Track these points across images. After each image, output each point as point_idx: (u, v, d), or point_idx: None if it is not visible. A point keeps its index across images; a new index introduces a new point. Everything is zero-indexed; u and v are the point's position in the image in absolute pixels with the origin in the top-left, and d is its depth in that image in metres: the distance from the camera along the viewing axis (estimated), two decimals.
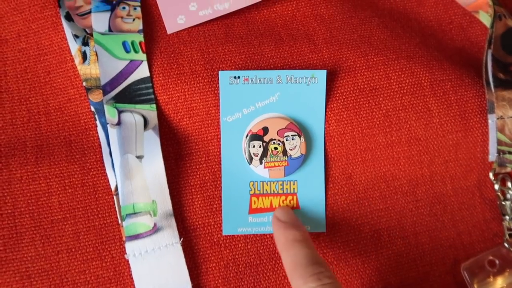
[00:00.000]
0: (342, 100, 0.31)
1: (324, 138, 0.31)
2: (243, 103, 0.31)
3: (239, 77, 0.31)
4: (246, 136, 0.31)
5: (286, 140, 0.31)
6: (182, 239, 0.30)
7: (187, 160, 0.31)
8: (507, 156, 0.32)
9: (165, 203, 0.30)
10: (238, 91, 0.31)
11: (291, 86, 0.31)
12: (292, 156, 0.31)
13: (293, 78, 0.31)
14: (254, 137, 0.30)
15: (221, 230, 0.31)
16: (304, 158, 0.31)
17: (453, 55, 0.35)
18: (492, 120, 0.32)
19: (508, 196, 0.32)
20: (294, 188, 0.31)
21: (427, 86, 0.32)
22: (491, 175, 0.32)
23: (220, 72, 0.31)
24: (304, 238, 0.28)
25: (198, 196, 0.31)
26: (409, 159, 0.32)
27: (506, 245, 0.32)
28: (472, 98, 0.32)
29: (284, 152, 0.31)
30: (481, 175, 0.33)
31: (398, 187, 0.32)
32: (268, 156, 0.31)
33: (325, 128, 0.31)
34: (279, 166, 0.31)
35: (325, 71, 0.31)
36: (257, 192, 0.31)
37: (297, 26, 0.33)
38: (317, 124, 0.31)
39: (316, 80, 0.31)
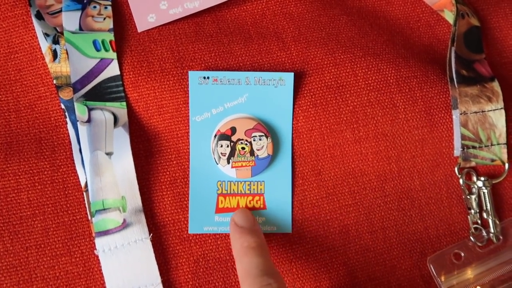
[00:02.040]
0: (310, 97, 0.32)
1: (292, 139, 0.32)
2: (212, 103, 0.31)
3: (208, 78, 0.31)
4: (215, 136, 0.31)
5: (254, 140, 0.31)
6: (151, 234, 0.31)
7: (157, 157, 0.32)
8: (471, 150, 0.32)
9: (135, 199, 0.31)
10: (207, 91, 0.31)
11: (260, 87, 0.31)
12: (259, 157, 0.31)
13: (262, 80, 0.31)
14: (222, 136, 0.31)
15: None
16: (272, 159, 0.31)
17: (420, 52, 0.35)
18: (456, 115, 0.32)
19: (473, 190, 0.33)
20: (261, 189, 0.32)
21: (393, 83, 0.33)
22: (456, 170, 0.33)
23: (190, 72, 0.31)
24: (258, 245, 0.28)
25: (168, 192, 0.32)
26: (377, 155, 0.33)
27: (472, 238, 0.33)
28: (437, 94, 0.33)
29: (252, 152, 0.31)
30: (447, 169, 0.33)
31: (366, 183, 0.33)
32: (236, 156, 0.31)
33: (292, 128, 0.32)
34: (246, 166, 0.31)
35: (293, 73, 0.31)
36: (224, 191, 0.32)
37: (266, 24, 0.34)
38: (284, 125, 0.32)
39: (283, 83, 0.31)
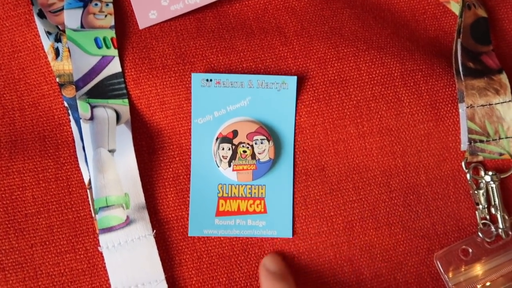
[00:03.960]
0: (313, 92, 0.32)
1: (294, 143, 0.32)
2: (214, 106, 0.31)
3: (211, 80, 0.31)
4: (216, 139, 0.31)
5: (255, 143, 0.31)
6: (155, 231, 0.31)
7: (159, 153, 0.32)
8: (478, 144, 0.32)
9: (138, 196, 0.31)
10: (209, 94, 0.31)
11: (262, 91, 0.31)
12: (261, 160, 0.31)
13: (264, 83, 0.31)
14: (224, 139, 0.31)
15: None
16: (273, 163, 0.31)
17: (426, 45, 0.35)
18: (462, 109, 0.32)
19: (481, 185, 0.32)
20: (262, 193, 0.32)
21: (398, 77, 0.32)
22: (463, 165, 0.32)
23: (193, 75, 0.31)
24: None
25: (171, 189, 0.32)
26: (382, 150, 0.32)
27: (480, 234, 0.32)
28: (443, 87, 0.32)
29: (253, 156, 0.31)
30: (454, 164, 0.33)
31: (371, 178, 0.32)
32: (237, 159, 0.31)
33: (295, 133, 0.31)
34: (247, 169, 0.31)
35: (296, 77, 0.31)
36: (225, 195, 0.31)
37: (268, 19, 0.34)
38: (287, 129, 0.31)
39: (286, 86, 0.31)
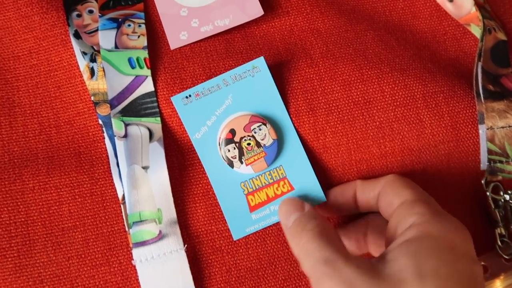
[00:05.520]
0: (338, 113, 0.33)
1: (292, 119, 0.32)
2: (204, 116, 0.32)
3: (190, 96, 0.32)
4: (219, 144, 0.32)
5: (255, 132, 0.32)
6: (186, 245, 0.32)
7: (190, 170, 0.33)
8: (498, 164, 0.33)
9: (170, 211, 0.32)
10: (195, 108, 0.32)
11: (239, 83, 0.32)
12: (266, 145, 0.32)
13: (238, 76, 0.32)
14: (226, 141, 0.32)
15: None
16: (279, 143, 0.32)
17: (446, 66, 0.36)
18: (482, 130, 0.33)
19: (500, 203, 0.33)
20: (282, 173, 0.32)
21: (420, 98, 0.33)
22: (483, 183, 0.33)
23: (172, 98, 0.32)
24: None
25: (201, 204, 0.33)
26: (403, 169, 0.33)
27: (499, 251, 0.33)
28: (464, 109, 0.33)
29: (258, 144, 0.32)
30: (473, 183, 0.34)
31: None
32: (245, 153, 0.32)
33: (288, 112, 0.32)
34: (258, 159, 0.32)
35: (262, 57, 0.32)
36: (250, 190, 0.32)
37: (294, 41, 0.35)
38: (278, 107, 0.32)
39: (258, 69, 0.32)
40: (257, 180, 0.32)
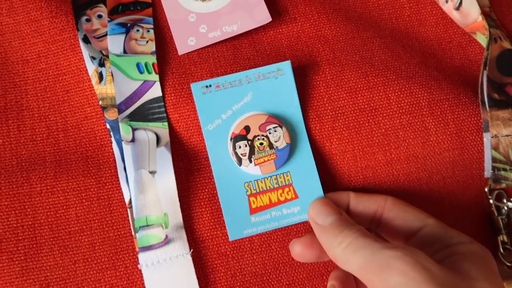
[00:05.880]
0: (344, 120, 0.33)
1: (306, 126, 0.32)
2: (220, 109, 0.32)
3: (210, 86, 0.32)
4: (231, 139, 0.32)
5: (270, 133, 0.32)
6: (192, 250, 0.32)
7: (196, 175, 0.33)
8: (502, 172, 0.33)
9: (176, 216, 0.32)
10: (212, 99, 0.32)
11: (261, 82, 0.32)
12: (279, 148, 0.32)
13: (262, 75, 0.32)
14: (238, 138, 0.31)
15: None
16: (291, 148, 0.32)
17: (452, 73, 0.36)
18: (487, 138, 0.33)
19: (503, 211, 0.34)
20: (288, 180, 0.32)
21: (425, 106, 0.34)
22: (486, 191, 0.34)
23: (192, 85, 0.32)
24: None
25: (207, 209, 0.33)
26: (408, 176, 0.34)
27: (501, 258, 0.33)
28: (468, 117, 0.34)
29: (270, 145, 0.32)
30: (477, 191, 0.34)
31: None
32: (256, 153, 0.32)
33: (303, 116, 0.32)
34: (268, 160, 0.32)
35: (289, 61, 0.32)
36: (253, 191, 0.32)
37: (301, 47, 0.35)
38: (295, 113, 0.32)
39: (283, 72, 0.32)
40: (262, 182, 0.32)
